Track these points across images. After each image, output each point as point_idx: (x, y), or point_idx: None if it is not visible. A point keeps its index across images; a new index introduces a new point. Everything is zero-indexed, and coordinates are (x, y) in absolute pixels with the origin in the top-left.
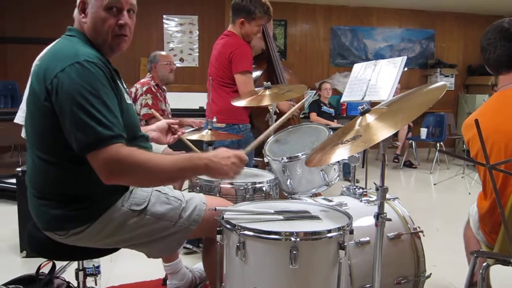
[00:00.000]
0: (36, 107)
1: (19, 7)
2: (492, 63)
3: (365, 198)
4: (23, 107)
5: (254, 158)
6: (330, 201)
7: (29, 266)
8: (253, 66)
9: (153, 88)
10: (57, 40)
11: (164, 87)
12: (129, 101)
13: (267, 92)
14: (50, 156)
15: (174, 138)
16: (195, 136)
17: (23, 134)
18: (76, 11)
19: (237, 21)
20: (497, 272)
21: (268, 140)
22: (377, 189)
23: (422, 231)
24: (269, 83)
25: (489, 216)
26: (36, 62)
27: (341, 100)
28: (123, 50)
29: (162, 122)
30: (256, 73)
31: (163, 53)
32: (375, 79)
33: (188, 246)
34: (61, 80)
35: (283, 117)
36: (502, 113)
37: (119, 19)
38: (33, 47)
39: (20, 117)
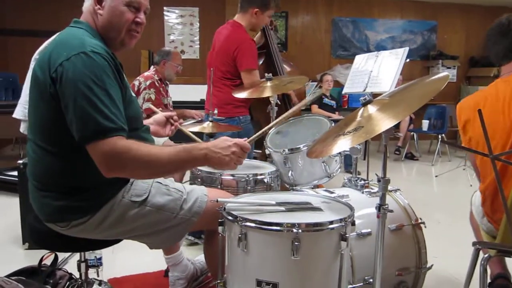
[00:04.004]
0: (40, 96)
1: None
2: (493, 56)
3: (367, 189)
4: (22, 101)
5: (254, 150)
6: (332, 192)
7: (31, 258)
8: None
9: (156, 83)
10: (61, 31)
11: (166, 81)
12: (133, 93)
13: (268, 83)
14: (53, 146)
15: (172, 130)
16: (196, 128)
17: (21, 129)
18: (88, 3)
19: (250, 10)
20: None
21: (269, 131)
22: (378, 181)
23: (423, 223)
24: (270, 74)
25: (489, 197)
26: (35, 56)
27: (343, 92)
28: (131, 47)
29: (160, 115)
30: None
31: (177, 52)
32: (377, 70)
33: (189, 237)
34: (66, 68)
35: (289, 112)
36: (504, 99)
37: (137, 17)
38: (34, 39)
39: (19, 112)
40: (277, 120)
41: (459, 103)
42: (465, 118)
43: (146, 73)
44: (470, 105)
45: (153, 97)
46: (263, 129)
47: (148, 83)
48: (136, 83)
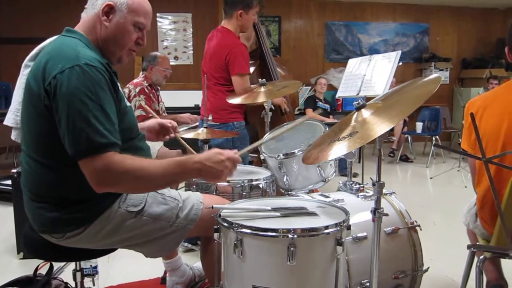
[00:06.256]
0: (33, 107)
1: (13, 8)
2: None
3: (362, 193)
4: (12, 108)
5: (250, 155)
6: (327, 197)
7: (26, 267)
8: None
9: (146, 89)
10: (53, 39)
11: (157, 86)
12: (128, 103)
13: (262, 89)
14: (46, 159)
15: (167, 137)
16: (190, 135)
17: (13, 137)
18: (92, 12)
19: (235, 14)
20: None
21: (264, 137)
22: (373, 184)
23: (419, 225)
24: (264, 80)
25: (488, 203)
26: (26, 62)
27: (336, 96)
28: (125, 63)
29: (154, 123)
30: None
31: (164, 56)
32: (370, 74)
33: (186, 244)
34: (60, 82)
35: (282, 129)
36: None
37: (140, 38)
38: (27, 47)
39: (10, 119)
40: (271, 135)
41: (467, 103)
42: (474, 111)
43: (135, 80)
44: (480, 98)
45: (143, 103)
46: (256, 143)
47: (137, 90)
48: (126, 90)
